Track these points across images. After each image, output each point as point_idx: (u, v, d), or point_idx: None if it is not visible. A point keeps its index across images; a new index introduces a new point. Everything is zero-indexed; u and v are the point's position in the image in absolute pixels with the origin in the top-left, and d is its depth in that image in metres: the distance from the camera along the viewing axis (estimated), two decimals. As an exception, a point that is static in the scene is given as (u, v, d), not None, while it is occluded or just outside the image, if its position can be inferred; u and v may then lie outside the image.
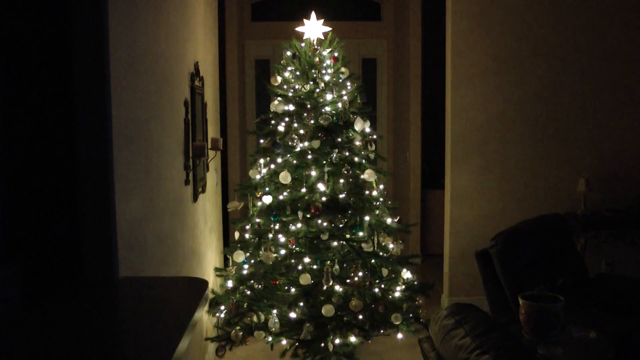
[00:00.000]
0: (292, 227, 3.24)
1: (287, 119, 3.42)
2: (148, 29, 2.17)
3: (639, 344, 2.96)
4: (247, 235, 3.42)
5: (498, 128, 4.58)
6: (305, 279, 3.08)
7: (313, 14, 3.50)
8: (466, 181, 4.60)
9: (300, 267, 3.20)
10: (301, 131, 3.36)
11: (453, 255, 4.65)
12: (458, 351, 1.97)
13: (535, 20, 4.53)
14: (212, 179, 3.95)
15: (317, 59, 3.43)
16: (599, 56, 4.59)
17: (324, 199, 3.22)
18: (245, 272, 3.36)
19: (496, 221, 4.45)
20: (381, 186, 3.53)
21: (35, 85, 1.65)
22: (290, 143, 3.33)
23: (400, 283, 3.37)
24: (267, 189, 3.35)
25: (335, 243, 3.22)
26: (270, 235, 3.27)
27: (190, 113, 3.01)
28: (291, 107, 3.41)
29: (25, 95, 1.64)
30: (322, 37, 3.51)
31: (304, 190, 3.24)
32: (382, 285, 3.30)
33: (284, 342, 3.20)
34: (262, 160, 3.44)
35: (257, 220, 3.34)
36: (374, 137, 3.54)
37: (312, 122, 3.35)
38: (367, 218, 3.28)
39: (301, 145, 3.32)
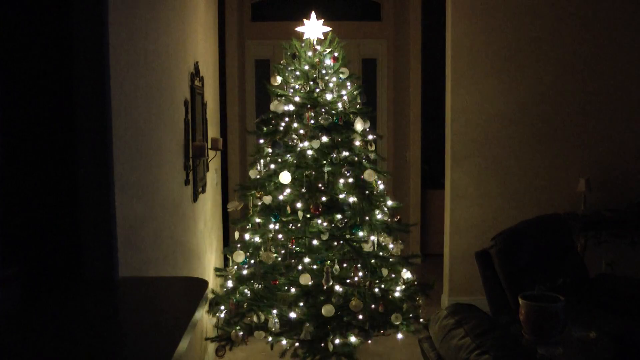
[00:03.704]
0: (292, 227, 3.24)
1: (287, 119, 3.41)
2: (148, 28, 2.17)
3: (639, 344, 2.95)
4: (247, 235, 3.42)
5: (498, 128, 4.58)
6: (305, 279, 3.08)
7: (313, 14, 3.50)
8: (466, 181, 4.60)
9: (300, 267, 3.20)
10: (301, 131, 3.36)
11: (453, 255, 4.65)
12: (458, 351, 1.97)
13: (535, 21, 4.53)
14: (212, 179, 3.95)
15: (317, 59, 3.43)
16: (599, 56, 4.59)
17: (324, 199, 3.22)
18: (245, 272, 3.36)
19: (496, 221, 4.45)
20: (381, 186, 3.53)
21: (35, 85, 1.64)
22: (290, 143, 3.33)
23: (400, 283, 3.37)
24: (267, 189, 3.35)
25: (335, 243, 3.22)
26: (270, 235, 3.27)
27: (190, 113, 3.01)
28: (291, 107, 3.41)
29: (25, 95, 1.64)
30: (322, 37, 3.51)
31: (304, 190, 3.24)
32: (382, 285, 3.30)
33: (284, 342, 3.20)
34: (262, 160, 3.44)
35: (257, 220, 3.34)
36: (374, 137, 3.54)
37: (312, 122, 3.35)
38: (367, 218, 3.27)
39: (301, 145, 3.32)
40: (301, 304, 3.15)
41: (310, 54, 3.45)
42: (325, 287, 3.10)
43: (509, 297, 3.40)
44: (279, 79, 3.51)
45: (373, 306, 3.19)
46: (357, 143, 3.41)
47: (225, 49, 5.65)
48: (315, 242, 3.21)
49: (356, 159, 3.37)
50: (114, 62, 1.69)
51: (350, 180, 3.30)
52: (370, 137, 3.51)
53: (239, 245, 3.38)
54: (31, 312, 1.43)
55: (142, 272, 1.98)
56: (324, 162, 3.28)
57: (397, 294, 3.32)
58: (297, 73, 3.46)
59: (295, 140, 3.32)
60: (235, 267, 3.42)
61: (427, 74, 5.97)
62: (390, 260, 3.35)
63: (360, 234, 3.23)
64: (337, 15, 6.25)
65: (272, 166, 3.38)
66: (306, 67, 3.43)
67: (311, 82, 3.40)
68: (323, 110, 3.38)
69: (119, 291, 1.65)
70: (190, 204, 3.04)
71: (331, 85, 3.45)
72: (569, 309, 2.72)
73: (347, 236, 3.23)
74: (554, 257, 3.67)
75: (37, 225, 1.66)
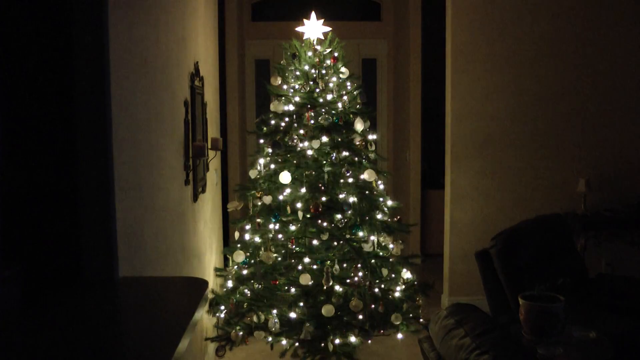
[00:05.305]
0: (292, 227, 3.24)
1: (287, 119, 3.41)
2: (148, 29, 2.17)
3: (639, 344, 2.96)
4: (247, 235, 3.42)
5: (498, 128, 4.58)
6: (305, 279, 3.08)
7: (313, 14, 3.50)
8: (466, 181, 4.60)
9: (300, 267, 3.20)
10: (301, 131, 3.36)
11: (453, 255, 4.65)
12: (458, 351, 1.97)
13: (535, 21, 4.53)
14: (212, 179, 3.95)
15: (317, 59, 3.43)
16: (599, 56, 4.59)
17: (324, 199, 3.22)
18: (245, 272, 3.36)
19: (496, 221, 4.45)
20: (381, 186, 3.53)
21: (35, 85, 1.65)
22: (290, 143, 3.33)
23: (400, 283, 3.37)
24: (267, 188, 3.35)
25: (335, 243, 3.22)
26: (270, 235, 3.27)
27: (190, 113, 3.01)
28: (291, 107, 3.41)
29: (25, 95, 1.64)
30: (322, 37, 3.51)
31: (304, 190, 3.24)
32: (382, 285, 3.30)
33: (284, 342, 3.20)
34: (262, 160, 3.44)
35: (257, 220, 3.34)
36: (374, 137, 3.54)
37: (312, 122, 3.35)
38: (367, 218, 3.27)
39: (301, 145, 3.32)
40: (301, 304, 3.15)
41: (310, 54, 3.45)
42: (325, 287, 3.10)
43: (509, 297, 3.40)
44: (279, 79, 3.51)
45: (373, 306, 3.19)
46: (357, 143, 3.41)
47: (225, 49, 5.65)
48: (315, 242, 3.21)
49: (356, 159, 3.37)
50: (114, 62, 1.69)
51: (350, 180, 3.30)
52: (370, 137, 3.51)
53: (239, 245, 3.38)
54: (31, 312, 1.43)
55: (142, 272, 1.98)
56: (324, 162, 3.28)
57: (397, 294, 3.32)
58: (297, 73, 3.46)
59: (295, 140, 3.32)
60: (235, 267, 3.42)
61: (427, 74, 5.97)
62: (390, 260, 3.35)
63: (360, 234, 3.23)
64: (337, 15, 6.25)
65: (272, 166, 3.38)
66: (306, 67, 3.43)
67: (311, 82, 3.40)
68: (323, 110, 3.38)
69: (119, 291, 1.65)
70: (190, 204, 3.04)
71: (331, 85, 3.44)
72: (569, 309, 2.72)
73: (347, 236, 3.23)
74: (554, 257, 3.67)
75: (37, 225, 1.66)
